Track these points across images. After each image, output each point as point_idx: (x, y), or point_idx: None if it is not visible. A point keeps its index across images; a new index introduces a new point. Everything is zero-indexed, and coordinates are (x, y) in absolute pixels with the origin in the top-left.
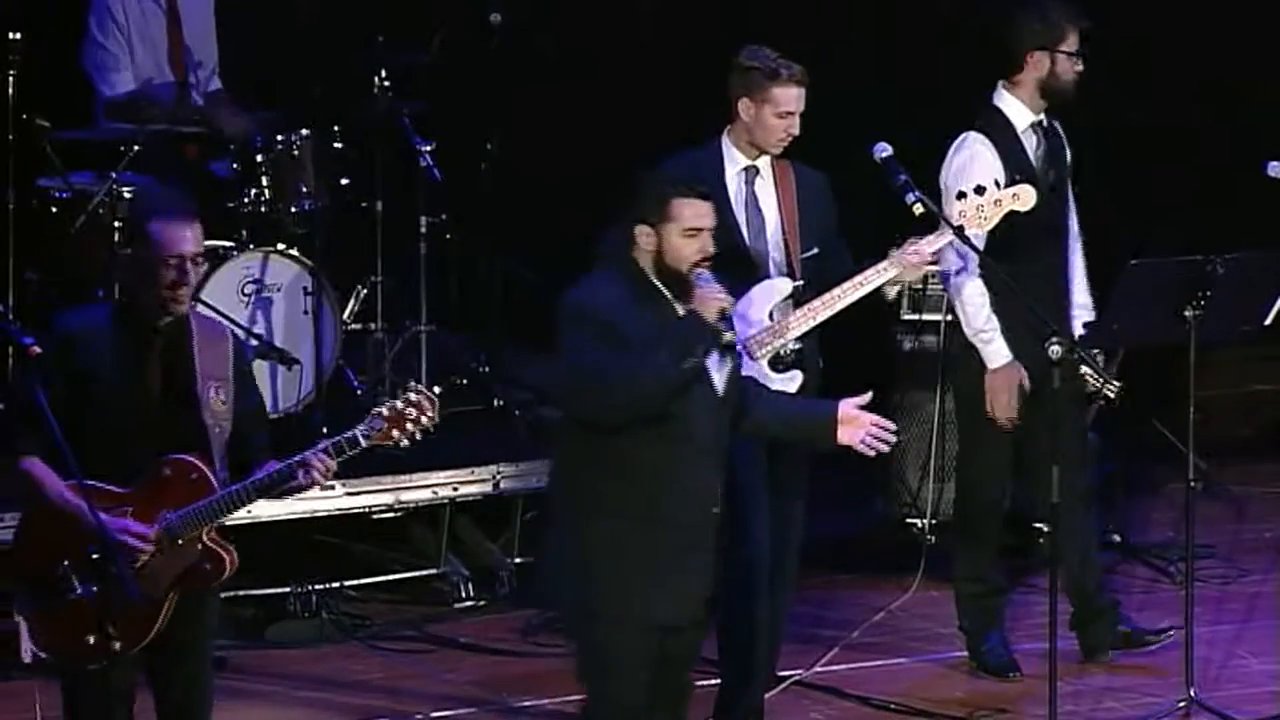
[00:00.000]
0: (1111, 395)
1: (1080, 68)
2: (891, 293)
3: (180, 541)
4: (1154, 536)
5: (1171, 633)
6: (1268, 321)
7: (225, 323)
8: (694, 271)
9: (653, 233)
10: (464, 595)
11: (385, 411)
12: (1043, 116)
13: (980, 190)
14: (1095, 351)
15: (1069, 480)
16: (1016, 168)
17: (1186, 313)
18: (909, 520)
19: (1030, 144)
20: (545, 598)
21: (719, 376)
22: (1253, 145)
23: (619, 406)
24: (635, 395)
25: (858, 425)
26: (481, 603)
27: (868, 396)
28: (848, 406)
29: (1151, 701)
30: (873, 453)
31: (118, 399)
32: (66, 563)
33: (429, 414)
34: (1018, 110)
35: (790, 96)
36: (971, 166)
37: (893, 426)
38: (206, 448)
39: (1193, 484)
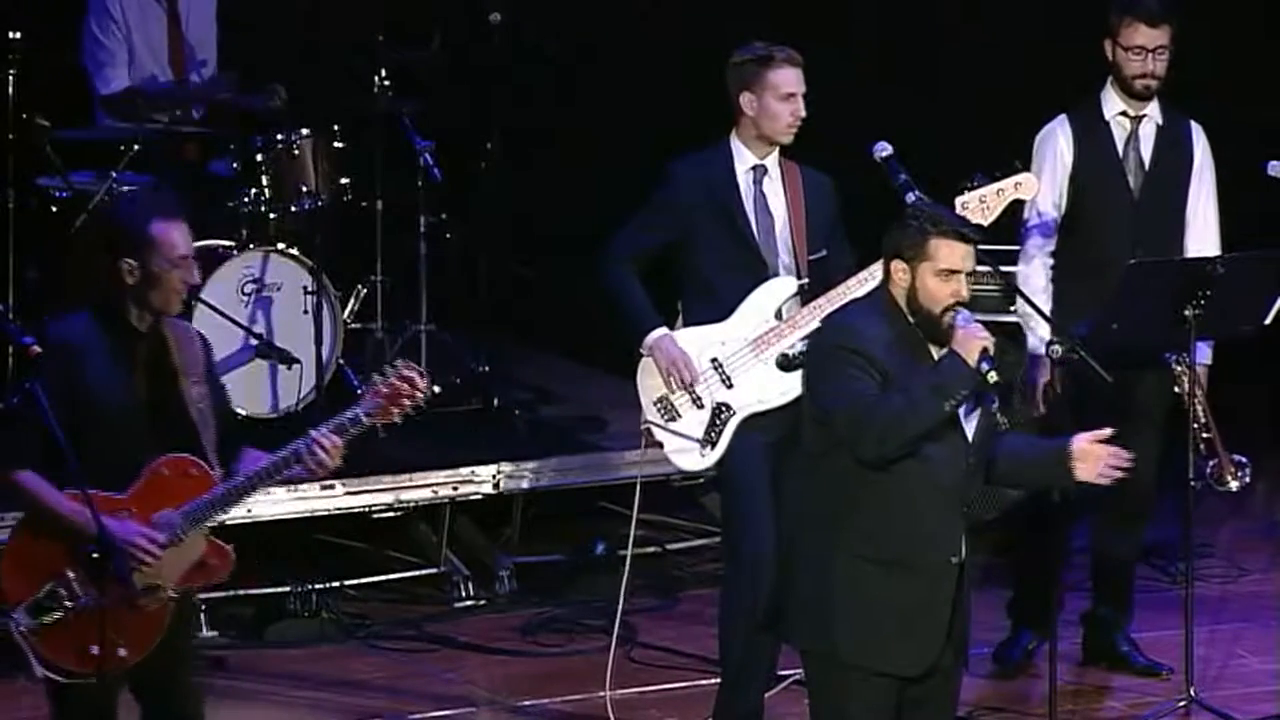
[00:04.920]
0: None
1: (1145, 64)
2: None
3: (184, 539)
4: (1153, 536)
5: (1167, 675)
6: (1267, 321)
7: (188, 323)
8: (949, 311)
9: (907, 269)
10: (464, 595)
11: (383, 389)
12: (1151, 110)
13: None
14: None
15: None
16: (1092, 152)
17: (1186, 312)
18: None
19: (1117, 132)
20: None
21: (970, 421)
22: (1253, 145)
23: (889, 442)
24: (902, 433)
25: (1095, 460)
26: (481, 603)
27: (1107, 432)
28: (1081, 442)
29: (1151, 701)
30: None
31: (109, 406)
32: (69, 573)
33: (421, 388)
34: (1110, 100)
35: (789, 77)
36: (1042, 145)
37: (1128, 455)
38: (198, 446)
39: (1193, 483)
